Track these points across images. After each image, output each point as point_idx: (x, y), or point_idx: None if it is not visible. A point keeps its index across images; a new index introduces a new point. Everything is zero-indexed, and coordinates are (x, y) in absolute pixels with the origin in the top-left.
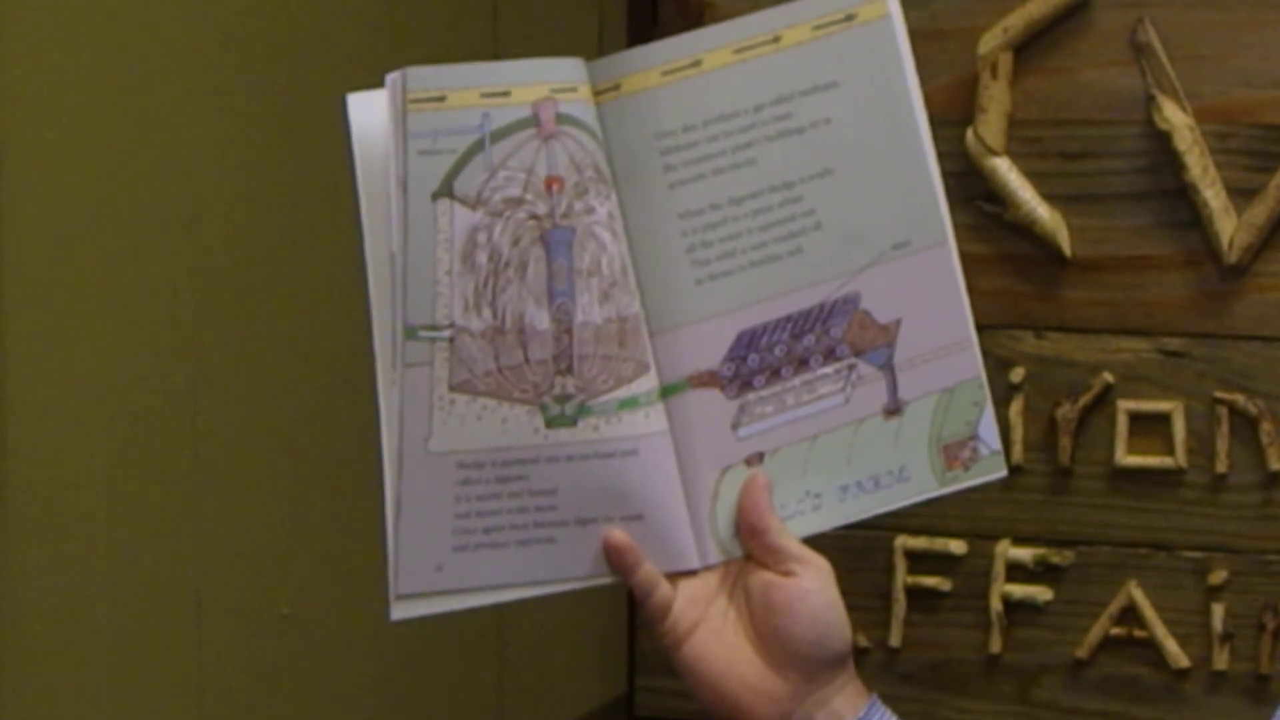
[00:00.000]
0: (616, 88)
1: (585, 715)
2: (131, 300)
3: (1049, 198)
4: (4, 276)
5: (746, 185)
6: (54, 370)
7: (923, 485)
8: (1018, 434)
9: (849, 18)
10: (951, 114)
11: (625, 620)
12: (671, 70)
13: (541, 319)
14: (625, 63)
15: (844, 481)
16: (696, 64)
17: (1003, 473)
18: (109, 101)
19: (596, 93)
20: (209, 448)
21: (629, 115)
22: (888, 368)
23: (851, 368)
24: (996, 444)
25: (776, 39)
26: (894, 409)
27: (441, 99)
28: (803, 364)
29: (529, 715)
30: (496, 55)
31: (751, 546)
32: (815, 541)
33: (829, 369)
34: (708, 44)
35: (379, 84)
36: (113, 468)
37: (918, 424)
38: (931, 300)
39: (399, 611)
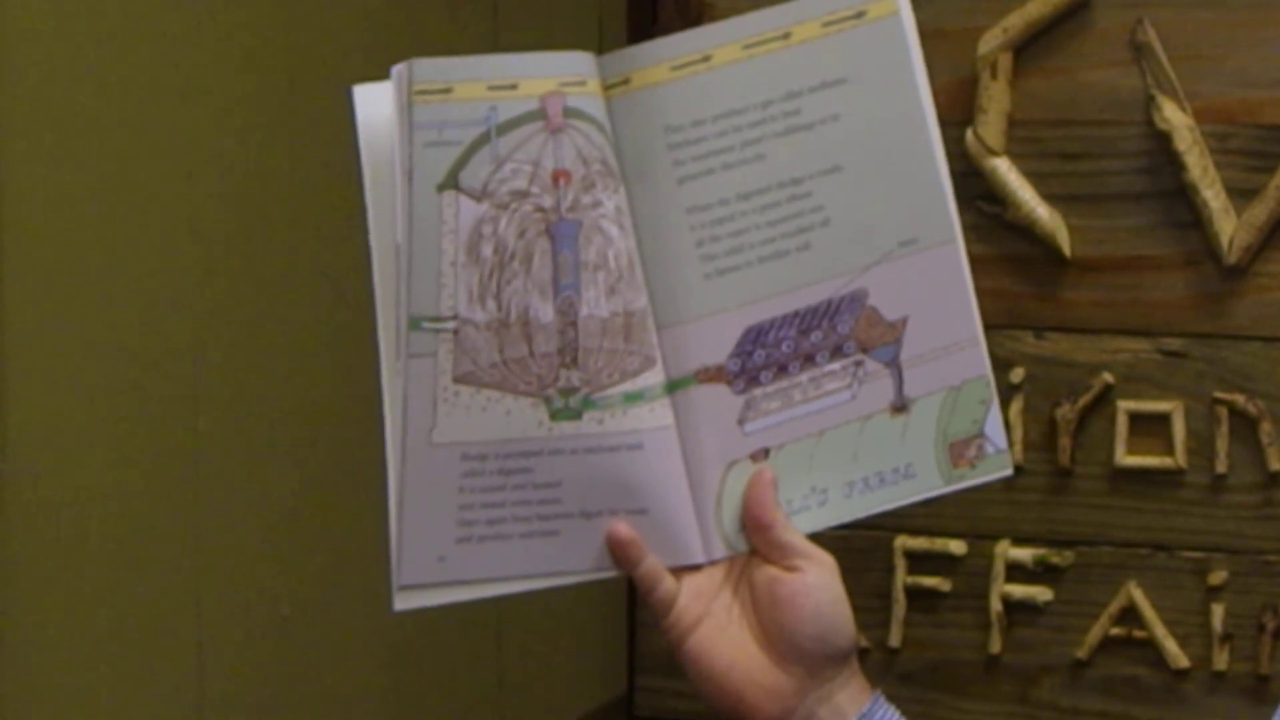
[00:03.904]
0: (626, 82)
1: (585, 715)
2: (132, 299)
3: (1049, 198)
4: (4, 276)
5: (755, 181)
6: (54, 370)
7: (929, 482)
8: (1018, 434)
9: (859, 15)
10: (951, 114)
11: (625, 620)
12: (681, 65)
13: (546, 312)
14: (635, 57)
15: (850, 478)
16: (706, 59)
17: (1009, 471)
18: (109, 98)
19: (606, 87)
20: (209, 448)
21: (638, 109)
22: (894, 365)
23: (858, 364)
24: (1003, 442)
25: (786, 35)
26: (900, 406)
27: (448, 90)
28: (809, 360)
29: (529, 715)
30: (497, 53)
31: (756, 541)
32: (816, 540)
33: (836, 365)
34: (717, 39)
35: (380, 79)
36: (113, 468)
37: (924, 421)
38: (939, 298)
39: (402, 602)
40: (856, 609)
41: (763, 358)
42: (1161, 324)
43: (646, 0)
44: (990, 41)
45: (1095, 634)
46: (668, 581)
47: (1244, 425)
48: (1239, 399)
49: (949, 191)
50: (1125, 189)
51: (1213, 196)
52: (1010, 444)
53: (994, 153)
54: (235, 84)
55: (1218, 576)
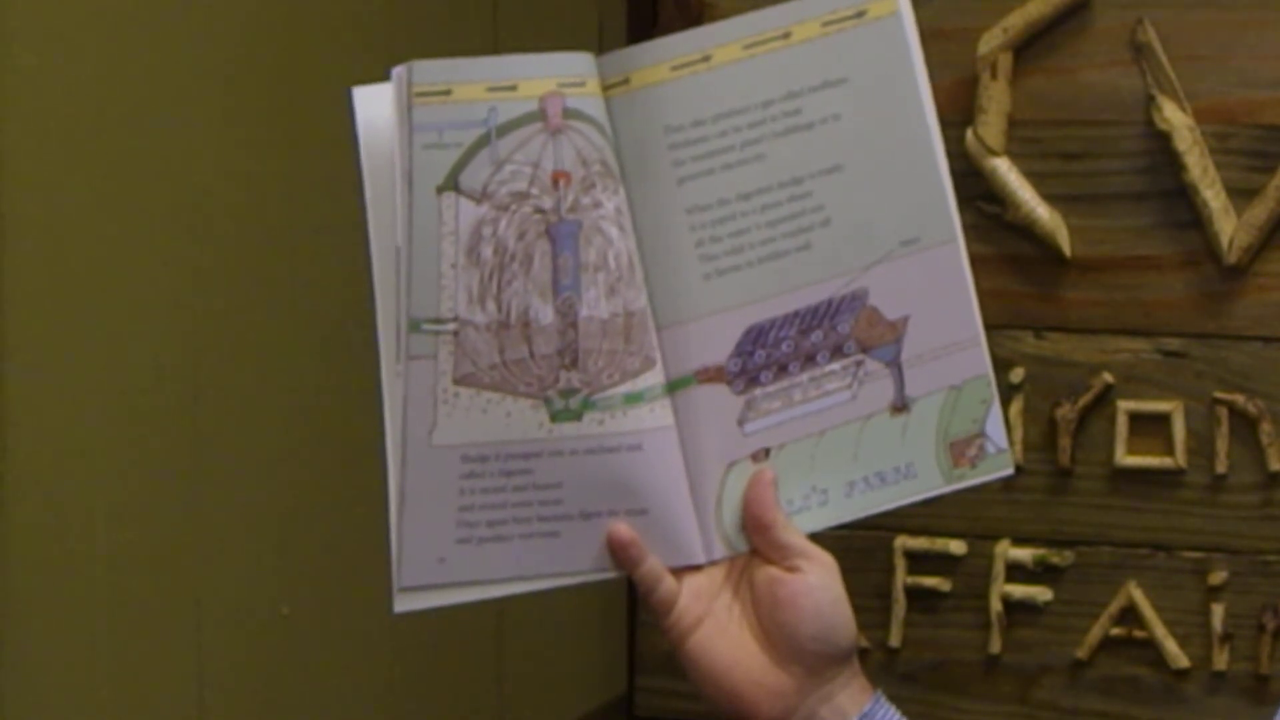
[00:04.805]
0: (626, 82)
1: (585, 715)
2: (131, 299)
3: (1049, 198)
4: (4, 276)
5: (755, 181)
6: (54, 370)
7: (929, 482)
8: (1018, 434)
9: (859, 14)
10: (951, 114)
11: (625, 620)
12: (681, 65)
13: (546, 313)
14: (635, 57)
15: (851, 478)
16: (706, 59)
17: (1009, 471)
18: (109, 99)
19: (606, 87)
20: (209, 447)
21: (638, 109)
22: (895, 364)
23: (859, 364)
24: (1004, 442)
25: (786, 35)
26: (901, 405)
27: (447, 92)
28: (810, 360)
29: (529, 715)
30: (496, 54)
31: (757, 541)
32: (816, 540)
33: (836, 365)
34: (718, 39)
35: (380, 79)
36: (113, 468)
37: (925, 421)
38: (940, 297)
39: (402, 604)
40: (856, 609)
41: (763, 358)
42: (1161, 324)
43: (646, 0)
44: (990, 41)
45: (1095, 634)
46: (668, 582)
47: (1244, 425)
48: (1239, 399)
49: (950, 191)
50: (1125, 189)
51: (1213, 196)
52: (1010, 444)
53: (994, 153)
54: (235, 84)
55: (1218, 576)
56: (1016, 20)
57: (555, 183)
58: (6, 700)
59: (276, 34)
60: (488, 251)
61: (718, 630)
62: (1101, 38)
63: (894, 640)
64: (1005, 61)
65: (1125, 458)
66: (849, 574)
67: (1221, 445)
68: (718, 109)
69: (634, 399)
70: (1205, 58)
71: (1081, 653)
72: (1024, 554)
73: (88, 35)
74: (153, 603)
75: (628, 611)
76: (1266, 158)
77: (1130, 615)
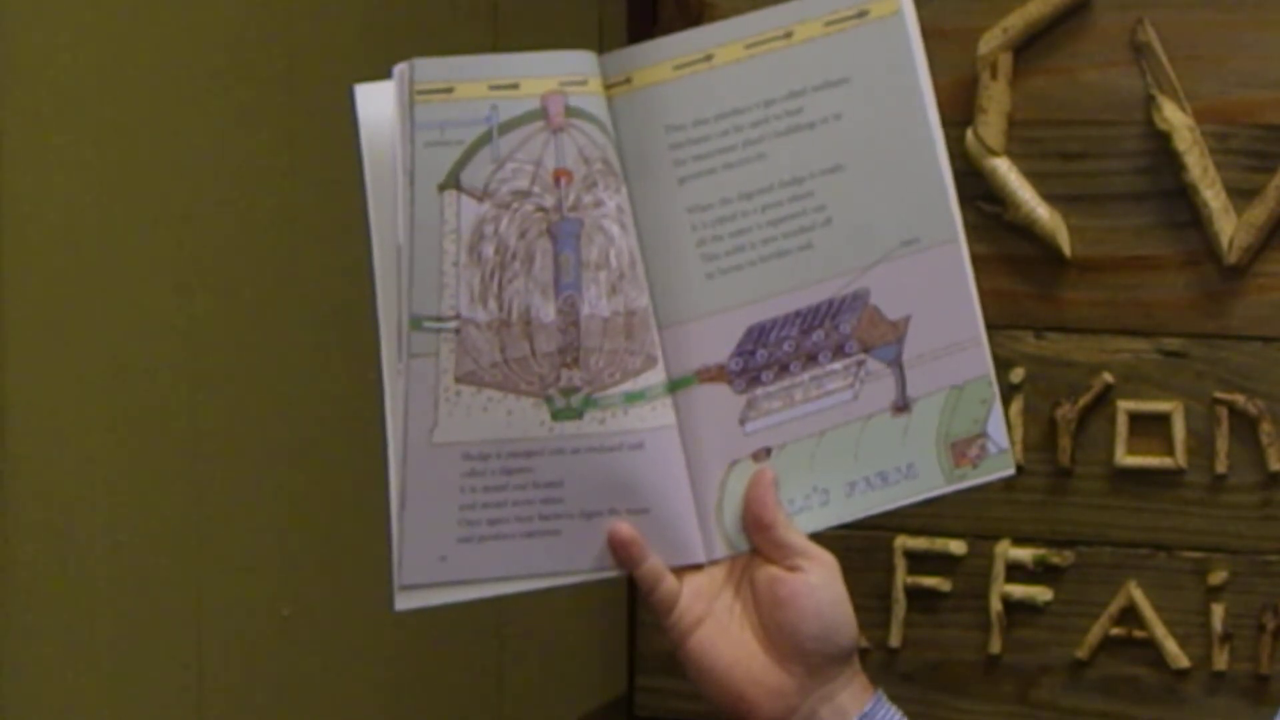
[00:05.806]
0: (628, 81)
1: (585, 715)
2: (132, 299)
3: (1049, 198)
4: (4, 276)
5: (756, 180)
6: (54, 370)
7: (930, 482)
8: (1018, 434)
9: (861, 14)
10: (951, 114)
11: (625, 620)
12: (683, 64)
13: (547, 311)
14: (637, 56)
15: (851, 478)
16: (708, 59)
17: (1010, 471)
18: (109, 98)
19: (607, 86)
20: (209, 447)
21: (640, 109)
22: (896, 364)
23: (860, 364)
24: (1005, 442)
25: (788, 34)
26: (902, 406)
27: (449, 90)
28: (811, 360)
29: (529, 715)
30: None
31: (758, 541)
32: (817, 539)
33: (837, 365)
34: (719, 39)
35: (380, 79)
36: (113, 468)
37: (926, 421)
38: (941, 297)
39: (403, 602)
40: (856, 609)
41: (764, 357)
42: (1161, 324)
43: (647, 1)
44: (990, 41)
45: (1095, 634)
46: (669, 581)
47: (1244, 425)
48: (1239, 399)
49: (951, 191)
50: (1125, 189)
51: (1213, 196)
52: (1011, 443)
53: (994, 153)
54: (235, 84)
55: (1218, 576)
56: (1016, 20)
57: (557, 181)
58: (6, 700)
59: (276, 33)
60: (489, 249)
61: (718, 630)
62: (1101, 38)
63: (894, 640)
64: (1005, 61)
65: (1125, 458)
66: (849, 574)
67: (1221, 445)
68: (719, 108)
69: (635, 398)
70: (1205, 58)
71: (1081, 653)
72: (1024, 554)
73: (88, 35)
74: (153, 603)
75: (628, 611)
76: (1266, 158)
77: (1130, 615)
